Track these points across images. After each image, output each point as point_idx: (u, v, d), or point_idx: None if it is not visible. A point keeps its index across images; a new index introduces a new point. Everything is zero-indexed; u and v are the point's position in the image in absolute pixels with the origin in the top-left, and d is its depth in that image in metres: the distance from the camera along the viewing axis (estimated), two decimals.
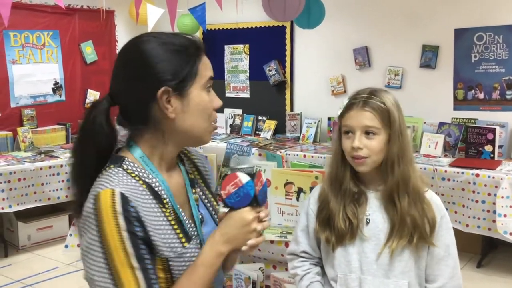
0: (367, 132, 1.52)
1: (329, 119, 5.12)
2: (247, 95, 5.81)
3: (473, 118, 4.39)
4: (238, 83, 5.84)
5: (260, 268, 2.21)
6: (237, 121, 5.74)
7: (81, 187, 1.17)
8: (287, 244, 2.12)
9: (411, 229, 1.51)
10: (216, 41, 5.91)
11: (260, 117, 5.62)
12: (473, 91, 4.45)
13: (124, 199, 1.08)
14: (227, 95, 5.89)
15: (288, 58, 5.46)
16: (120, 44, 5.92)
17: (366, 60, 4.98)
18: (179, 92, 1.15)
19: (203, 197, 1.33)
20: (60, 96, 5.49)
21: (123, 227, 1.06)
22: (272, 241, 2.16)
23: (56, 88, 5.45)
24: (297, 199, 2.27)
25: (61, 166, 4.56)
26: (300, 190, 2.25)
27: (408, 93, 4.69)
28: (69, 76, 5.55)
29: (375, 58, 4.96)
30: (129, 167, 1.15)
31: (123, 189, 1.09)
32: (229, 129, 5.78)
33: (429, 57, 4.65)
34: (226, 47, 5.89)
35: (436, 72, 4.61)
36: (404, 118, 1.57)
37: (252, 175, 1.19)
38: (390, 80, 4.85)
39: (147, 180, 1.16)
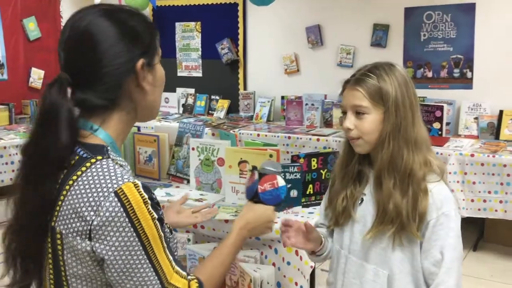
0: (358, 112, 1.44)
1: (282, 98, 5.12)
2: (200, 74, 5.71)
3: (422, 96, 4.48)
4: (190, 62, 5.73)
5: (214, 248, 2.19)
6: (190, 100, 5.65)
7: (54, 182, 1.06)
8: None
9: (393, 216, 1.40)
10: (167, 18, 5.76)
11: (213, 97, 5.55)
12: (422, 69, 4.54)
13: (146, 189, 1.07)
14: (179, 74, 5.77)
15: (241, 36, 5.39)
16: (65, 20, 5.67)
17: (319, 38, 4.98)
18: (150, 64, 1.15)
19: None
20: (2, 74, 5.23)
21: (154, 216, 1.06)
22: (226, 221, 2.13)
23: None
24: None
25: (5, 148, 4.35)
26: (254, 169, 2.22)
27: None
28: (12, 54, 5.28)
29: (327, 36, 4.97)
30: (113, 157, 1.10)
31: (135, 179, 1.07)
32: (181, 109, 5.68)
33: (379, 36, 4.69)
34: (177, 24, 5.75)
35: (386, 51, 4.66)
36: (413, 97, 1.43)
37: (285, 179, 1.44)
38: (342, 59, 4.88)
39: (126, 169, 1.13)
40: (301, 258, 1.94)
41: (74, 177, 1.04)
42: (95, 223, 1.00)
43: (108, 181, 1.02)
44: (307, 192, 2.24)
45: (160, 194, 2.40)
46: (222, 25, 5.46)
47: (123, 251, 1.01)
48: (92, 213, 1.01)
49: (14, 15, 5.27)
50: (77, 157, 1.07)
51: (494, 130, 4.15)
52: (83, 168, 1.05)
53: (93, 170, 1.04)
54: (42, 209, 1.06)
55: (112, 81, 1.10)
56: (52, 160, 1.05)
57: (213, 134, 4.47)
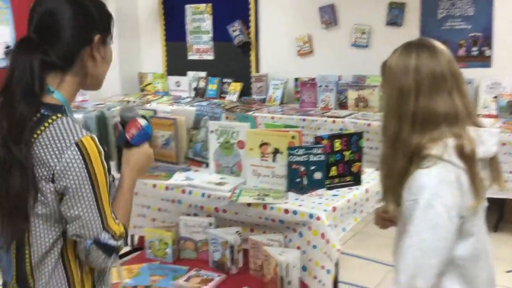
0: None
1: (296, 79, 5.04)
2: (211, 57, 5.64)
3: None
4: (201, 45, 5.66)
5: (237, 232, 2.15)
6: (202, 84, 5.59)
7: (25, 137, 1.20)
8: (265, 207, 2.06)
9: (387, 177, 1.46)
10: (176, 1, 5.68)
11: (225, 80, 5.48)
12: None
13: (101, 143, 1.25)
14: (189, 57, 5.69)
15: (252, 18, 5.30)
16: None
17: (333, 18, 4.88)
18: (104, 41, 1.34)
19: None
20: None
21: (105, 166, 1.25)
22: (249, 204, 2.09)
23: (8, 52, 5.15)
24: (273, 160, 2.19)
25: None
26: (276, 151, 2.18)
27: (375, 51, 4.64)
28: None
29: (341, 16, 4.87)
30: (69, 116, 1.26)
31: (91, 133, 1.25)
32: (193, 93, 5.63)
33: (395, 14, 4.59)
34: (187, 7, 5.67)
35: (402, 30, 4.56)
36: (423, 69, 1.39)
37: (147, 119, 1.55)
38: (357, 39, 4.78)
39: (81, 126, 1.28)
40: (327, 241, 1.90)
41: (39, 132, 1.20)
42: (57, 168, 1.19)
43: (70, 134, 1.20)
44: (330, 174, 2.19)
45: (180, 178, 2.36)
46: (233, 7, 5.37)
47: (76, 191, 1.20)
48: (56, 160, 1.19)
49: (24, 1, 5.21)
50: (39, 115, 1.22)
51: None
52: (46, 124, 1.21)
53: (55, 125, 1.21)
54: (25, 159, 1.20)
55: (70, 47, 1.28)
56: (26, 106, 1.20)
57: (226, 118, 4.40)
